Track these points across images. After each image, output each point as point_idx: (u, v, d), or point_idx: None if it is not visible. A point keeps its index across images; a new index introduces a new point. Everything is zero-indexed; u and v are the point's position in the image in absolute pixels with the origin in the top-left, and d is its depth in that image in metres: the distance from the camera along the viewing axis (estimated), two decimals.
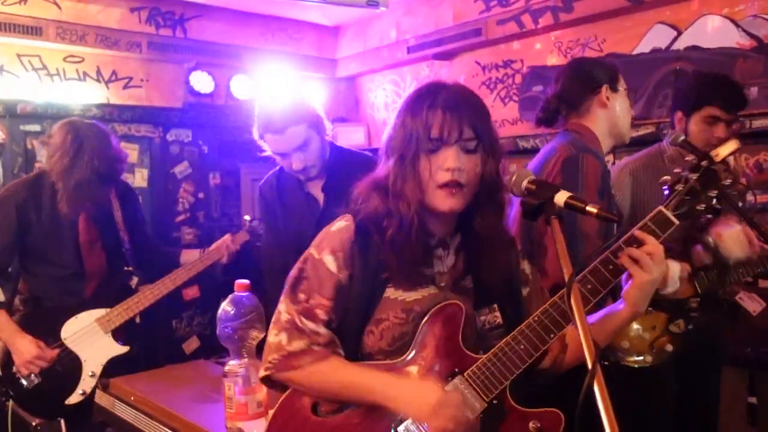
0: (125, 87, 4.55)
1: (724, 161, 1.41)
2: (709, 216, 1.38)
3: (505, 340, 1.34)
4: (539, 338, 1.33)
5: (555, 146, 2.14)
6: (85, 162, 2.58)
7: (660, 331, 2.02)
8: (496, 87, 4.47)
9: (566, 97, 2.21)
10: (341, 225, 1.42)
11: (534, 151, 4.02)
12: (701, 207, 1.35)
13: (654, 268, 1.29)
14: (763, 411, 3.01)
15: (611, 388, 0.91)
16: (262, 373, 1.41)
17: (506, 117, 4.39)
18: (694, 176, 1.35)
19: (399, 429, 1.33)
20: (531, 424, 1.35)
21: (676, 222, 1.33)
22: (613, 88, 2.17)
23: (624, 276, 1.35)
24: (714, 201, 1.36)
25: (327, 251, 1.39)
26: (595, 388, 0.91)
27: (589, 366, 0.94)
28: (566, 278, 1.11)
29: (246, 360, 1.71)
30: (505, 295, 1.46)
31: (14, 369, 2.59)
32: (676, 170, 1.37)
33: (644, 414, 2.20)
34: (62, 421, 2.64)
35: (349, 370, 1.36)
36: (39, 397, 2.62)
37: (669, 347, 2.02)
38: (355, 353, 1.40)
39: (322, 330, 1.38)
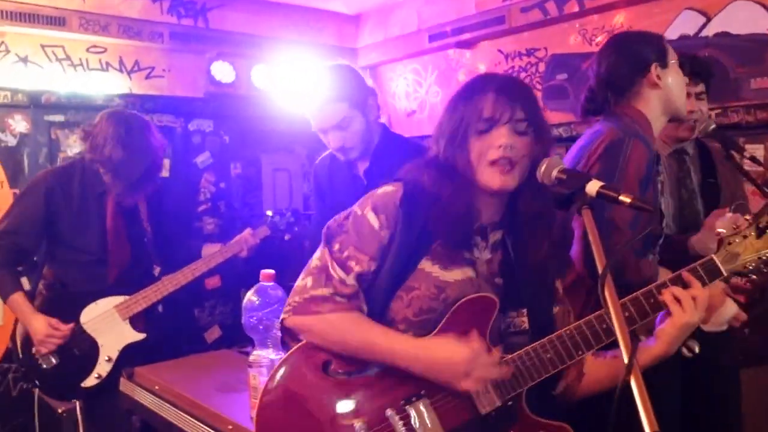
0: (147, 77, 4.57)
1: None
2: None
3: (533, 345, 1.33)
4: (567, 352, 1.32)
5: (601, 129, 1.98)
6: (140, 155, 2.66)
7: None
8: (519, 76, 4.41)
9: (613, 82, 2.02)
10: (388, 188, 1.42)
11: (558, 140, 3.98)
12: (750, 266, 1.35)
13: (695, 312, 1.30)
14: None
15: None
16: (282, 315, 1.41)
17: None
18: (753, 235, 1.35)
19: (409, 408, 1.31)
20: None
21: (725, 274, 1.34)
22: (663, 64, 1.99)
23: (660, 315, 1.35)
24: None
25: (370, 208, 1.40)
26: (633, 385, 0.88)
27: (625, 360, 0.92)
28: (600, 270, 1.08)
29: (271, 350, 1.70)
30: (536, 303, 1.43)
31: (33, 350, 2.64)
32: (738, 224, 1.37)
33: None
34: (77, 404, 2.68)
35: (372, 328, 1.35)
36: (56, 378, 2.67)
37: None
38: (379, 315, 1.38)
39: (350, 281, 1.37)
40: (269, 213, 3.04)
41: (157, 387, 2.09)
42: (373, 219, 1.38)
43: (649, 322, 1.35)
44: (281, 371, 1.38)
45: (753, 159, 2.42)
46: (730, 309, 1.88)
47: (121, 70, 4.46)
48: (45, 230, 2.70)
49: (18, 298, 2.64)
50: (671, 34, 3.59)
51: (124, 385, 2.27)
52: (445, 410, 1.32)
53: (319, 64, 5.09)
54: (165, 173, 4.64)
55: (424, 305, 1.35)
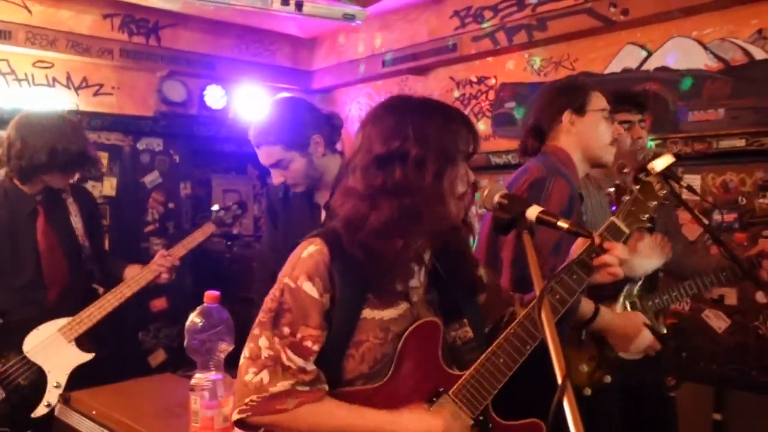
0: (95, 94, 4.49)
1: (663, 174, 1.56)
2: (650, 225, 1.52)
3: (484, 355, 1.34)
4: (516, 350, 1.33)
5: (528, 167, 2.14)
6: (37, 143, 2.54)
7: (597, 361, 2.05)
8: (470, 103, 4.50)
9: (537, 126, 2.23)
10: (312, 249, 1.32)
11: (506, 167, 4.08)
12: (645, 217, 1.47)
13: (620, 274, 1.39)
14: (728, 428, 3.05)
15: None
16: (235, 416, 1.29)
17: (479, 133, 4.41)
18: (636, 187, 1.47)
19: None
20: None
21: (627, 231, 1.44)
22: (579, 112, 2.15)
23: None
24: (653, 212, 1.49)
25: (303, 277, 1.30)
26: (565, 404, 0.90)
27: (559, 381, 0.94)
28: (537, 292, 1.11)
29: (213, 373, 1.67)
30: (471, 309, 1.46)
31: None
32: (617, 182, 1.47)
33: None
34: None
35: (344, 411, 1.28)
36: (5, 410, 2.53)
37: (607, 379, 2.05)
38: (335, 380, 1.32)
39: (310, 366, 1.29)
40: (215, 208, 2.96)
41: (94, 412, 2.02)
42: (310, 288, 1.29)
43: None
44: None
45: (689, 188, 2.51)
46: (646, 338, 1.98)
47: (68, 86, 4.38)
48: None
49: None
50: (615, 67, 3.73)
51: (60, 411, 2.19)
52: None
53: (272, 85, 5.13)
54: (111, 192, 4.55)
55: (377, 355, 1.32)
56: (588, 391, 2.06)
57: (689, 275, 2.49)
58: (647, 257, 2.24)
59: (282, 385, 1.26)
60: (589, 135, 2.15)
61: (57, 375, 2.60)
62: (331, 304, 1.30)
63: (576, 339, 2.04)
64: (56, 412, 2.19)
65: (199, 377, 1.66)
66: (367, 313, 1.32)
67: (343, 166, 2.28)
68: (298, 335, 1.29)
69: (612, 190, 1.52)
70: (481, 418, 1.34)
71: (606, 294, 2.22)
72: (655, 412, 2.48)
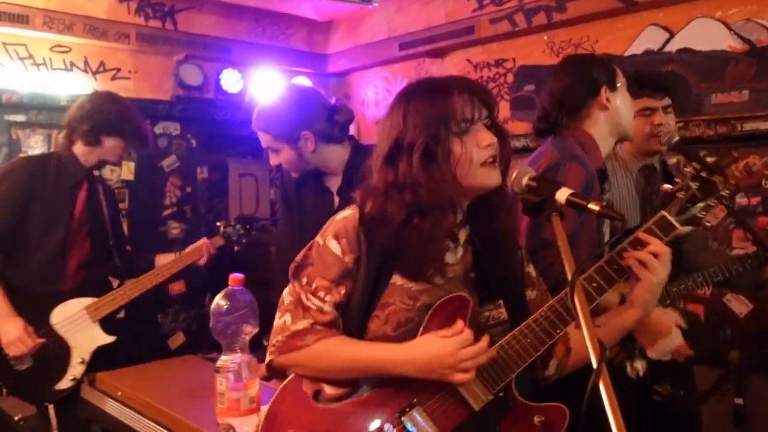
0: (113, 78, 4.49)
1: (722, 172, 1.43)
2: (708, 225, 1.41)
3: (512, 333, 1.35)
4: (545, 333, 1.33)
5: (543, 151, 2.09)
6: (111, 106, 2.78)
7: (617, 350, 2.02)
8: (488, 86, 4.46)
9: (566, 102, 2.09)
10: (346, 213, 1.42)
11: (525, 150, 4.03)
12: (702, 215, 1.38)
13: (661, 269, 1.32)
14: (748, 412, 3.03)
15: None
16: (268, 357, 1.41)
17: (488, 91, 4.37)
18: (695, 185, 1.38)
19: (404, 419, 1.31)
20: (536, 418, 1.35)
21: (678, 227, 1.36)
22: (612, 87, 2.07)
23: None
24: (711, 210, 1.39)
25: (331, 236, 1.40)
26: (601, 387, 0.89)
27: (594, 364, 0.93)
28: (569, 276, 1.10)
29: (239, 355, 1.68)
30: (510, 292, 1.45)
31: (4, 353, 2.56)
32: (677, 179, 1.41)
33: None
34: (51, 409, 2.62)
35: (356, 345, 1.36)
36: (30, 382, 2.60)
37: (629, 373, 2.01)
38: (359, 338, 1.38)
39: (328, 308, 1.37)
40: (220, 224, 3.08)
41: (119, 393, 2.05)
42: (335, 246, 1.38)
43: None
44: (276, 407, 1.40)
45: (724, 180, 2.48)
46: (675, 339, 1.91)
47: (85, 71, 4.38)
48: (15, 219, 2.62)
49: None
50: (636, 48, 3.68)
51: (85, 392, 2.22)
52: (440, 413, 1.33)
53: (288, 69, 5.11)
54: (129, 176, 4.57)
55: (401, 318, 1.35)
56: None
57: (704, 269, 2.43)
58: None
59: (302, 324, 1.37)
60: (622, 110, 2.09)
61: (82, 351, 2.66)
62: (355, 265, 1.37)
63: None
64: (82, 392, 2.23)
65: (224, 359, 1.68)
66: (397, 279, 1.37)
67: (355, 152, 2.30)
68: (314, 285, 1.38)
69: (668, 186, 1.44)
70: (501, 394, 1.35)
71: None
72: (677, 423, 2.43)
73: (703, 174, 1.40)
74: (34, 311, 2.61)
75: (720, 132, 3.29)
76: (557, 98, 2.11)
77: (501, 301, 1.42)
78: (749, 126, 3.21)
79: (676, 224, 1.35)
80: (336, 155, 2.29)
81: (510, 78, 4.34)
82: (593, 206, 1.23)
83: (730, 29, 3.32)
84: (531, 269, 1.55)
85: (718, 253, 2.92)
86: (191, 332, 4.78)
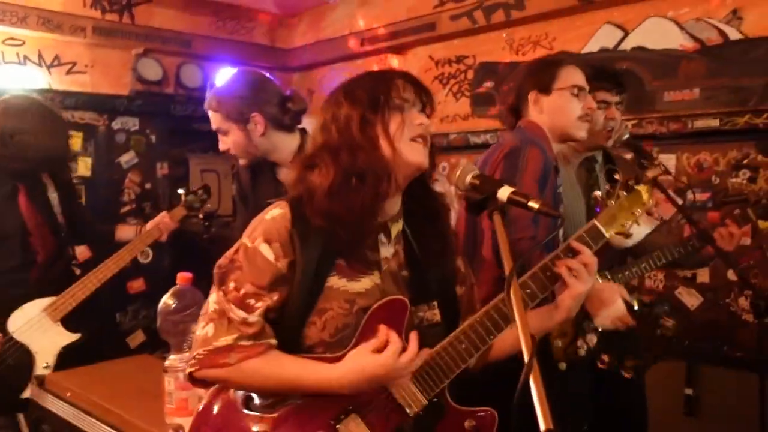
0: (68, 72, 4.40)
1: (651, 181, 1.57)
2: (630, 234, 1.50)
3: (448, 339, 1.35)
4: (480, 339, 1.35)
5: (504, 139, 2.23)
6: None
7: (571, 336, 2.07)
8: (449, 82, 4.49)
9: (512, 104, 2.33)
10: (276, 212, 1.35)
11: (485, 146, 4.07)
12: (627, 224, 1.47)
13: (588, 278, 1.37)
14: (699, 402, 3.12)
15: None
16: (188, 369, 1.34)
17: (458, 112, 4.41)
18: (624, 194, 1.46)
19: (339, 427, 1.30)
20: (467, 423, 1.37)
21: (607, 235, 1.44)
22: (545, 91, 2.21)
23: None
24: (637, 221, 1.48)
25: (261, 239, 1.33)
26: (531, 383, 0.91)
27: (526, 359, 0.95)
28: (506, 272, 1.12)
29: (188, 354, 1.67)
30: (443, 293, 1.46)
31: None
32: (607, 187, 1.48)
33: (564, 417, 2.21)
34: (21, 417, 2.56)
35: (288, 365, 1.30)
36: None
37: (581, 352, 2.07)
38: (296, 345, 1.33)
39: (253, 318, 1.30)
40: (181, 191, 2.99)
41: (69, 394, 2.01)
42: (266, 251, 1.31)
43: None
44: (203, 416, 1.36)
45: (665, 170, 2.55)
46: (619, 308, 1.96)
47: (39, 65, 4.28)
48: None
49: None
50: (593, 46, 3.74)
51: (34, 393, 2.18)
52: (375, 420, 1.32)
53: (249, 63, 5.06)
54: (86, 172, 4.49)
55: (339, 324, 1.33)
56: (563, 366, 2.08)
57: (651, 251, 2.51)
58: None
59: (225, 340, 1.29)
60: (555, 112, 2.22)
61: (45, 356, 2.59)
62: (289, 269, 1.32)
63: None
64: (30, 395, 2.19)
65: (173, 359, 1.67)
66: (334, 281, 1.33)
67: (305, 144, 2.31)
68: (242, 291, 1.31)
69: (599, 193, 1.53)
70: (435, 400, 1.36)
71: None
72: (624, 389, 2.51)
73: (631, 183, 1.49)
74: (4, 317, 2.55)
75: (672, 129, 3.37)
76: (508, 103, 2.37)
77: (435, 303, 1.41)
78: (700, 123, 3.29)
79: (605, 233, 1.43)
80: (285, 144, 2.28)
81: (470, 74, 4.37)
82: (533, 204, 1.25)
83: (681, 28, 3.40)
84: (460, 263, 1.56)
85: (667, 236, 3.01)
86: (152, 330, 4.72)
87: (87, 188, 4.47)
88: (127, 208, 4.68)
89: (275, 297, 1.32)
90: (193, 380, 1.35)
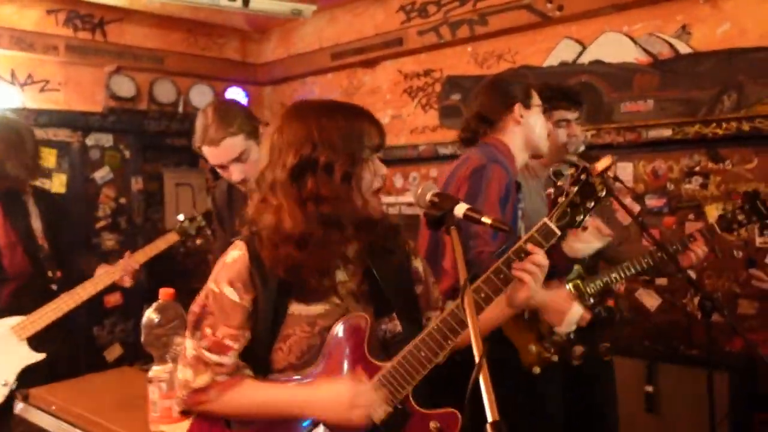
0: (41, 90, 4.45)
1: (601, 174, 1.55)
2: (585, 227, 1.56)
3: (407, 348, 1.43)
4: (438, 345, 1.42)
5: (468, 156, 2.30)
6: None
7: (543, 341, 2.18)
8: (417, 95, 4.63)
9: (483, 116, 2.34)
10: (235, 255, 1.44)
11: (453, 156, 4.21)
12: (580, 218, 1.50)
13: (541, 278, 1.46)
14: (659, 399, 3.27)
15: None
16: (176, 408, 1.46)
17: (427, 124, 4.55)
18: (574, 189, 1.50)
19: None
20: (432, 424, 1.44)
21: (558, 232, 1.48)
22: (527, 105, 2.30)
23: None
24: (590, 213, 1.52)
25: (225, 283, 1.42)
26: (481, 382, 1.03)
27: (477, 360, 1.07)
28: (461, 282, 1.24)
29: (170, 365, 1.76)
30: (402, 301, 1.53)
31: None
32: (560, 183, 1.52)
33: (536, 419, 2.32)
34: None
35: (260, 390, 1.40)
36: None
37: (555, 357, 2.18)
38: (265, 372, 1.43)
39: (226, 360, 1.40)
40: (180, 217, 2.97)
41: (54, 407, 2.08)
42: (231, 293, 1.41)
43: None
44: None
45: (616, 179, 2.71)
46: (576, 311, 2.02)
47: (12, 83, 4.33)
48: None
49: None
50: (552, 60, 3.91)
51: (19, 408, 2.24)
52: (343, 429, 1.40)
53: (221, 79, 5.15)
54: (61, 188, 4.53)
55: (303, 346, 1.41)
56: (537, 370, 2.19)
57: (624, 260, 2.65)
58: (587, 241, 2.37)
59: (202, 380, 1.40)
60: (533, 128, 2.32)
61: (5, 373, 2.61)
62: (253, 305, 1.42)
63: (520, 319, 2.14)
64: (16, 410, 2.24)
65: (156, 369, 1.76)
66: (294, 308, 1.42)
67: None
68: (218, 334, 1.40)
69: (551, 191, 1.55)
70: (399, 406, 1.43)
71: (558, 275, 2.34)
72: (595, 380, 2.64)
73: (582, 177, 1.51)
74: None
75: (628, 138, 3.55)
76: (477, 112, 2.36)
77: (394, 314, 1.49)
78: (654, 133, 3.47)
79: (556, 230, 1.47)
80: None
81: (438, 87, 4.51)
82: (486, 220, 1.37)
83: (635, 43, 3.58)
84: (418, 263, 1.64)
85: (636, 244, 3.15)
86: (129, 343, 4.77)
87: (61, 204, 4.49)
88: (102, 223, 4.73)
89: (246, 334, 1.42)
90: (187, 414, 1.47)
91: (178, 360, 1.46)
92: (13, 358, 2.64)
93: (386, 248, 1.54)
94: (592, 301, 2.58)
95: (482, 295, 1.44)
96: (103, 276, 2.83)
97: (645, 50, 3.55)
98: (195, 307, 1.45)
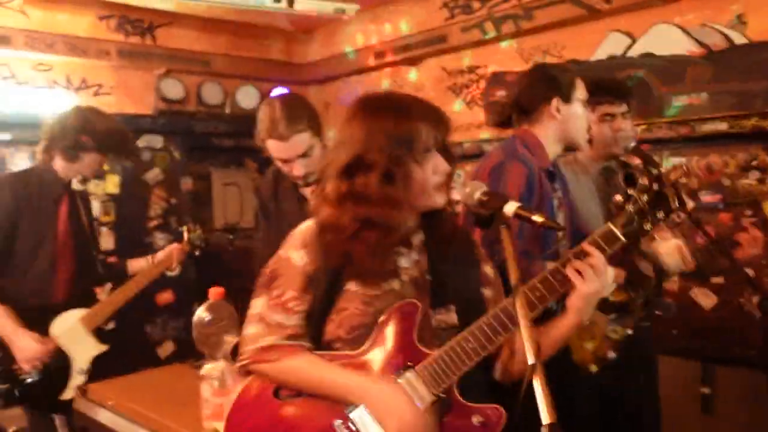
0: (95, 94, 4.59)
1: (673, 184, 1.48)
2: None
3: (455, 338, 1.43)
4: (487, 338, 1.41)
5: (490, 153, 2.30)
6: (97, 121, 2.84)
7: (600, 339, 2.13)
8: (462, 92, 4.60)
9: (519, 104, 2.32)
10: (304, 226, 1.55)
11: None
12: (648, 227, 1.45)
13: (595, 279, 1.40)
14: (715, 400, 3.18)
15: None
16: (237, 363, 1.52)
17: (471, 121, 4.52)
18: (644, 198, 1.44)
19: (352, 415, 1.41)
20: (474, 418, 1.43)
21: (623, 239, 1.43)
22: (566, 99, 2.25)
23: None
24: (660, 222, 1.46)
25: (292, 248, 1.52)
26: (536, 383, 1.02)
27: (530, 361, 1.05)
28: (512, 282, 1.22)
29: (222, 363, 1.79)
30: (462, 296, 1.53)
31: (15, 366, 2.63)
32: (630, 192, 1.46)
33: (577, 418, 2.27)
34: (57, 419, 2.72)
35: (322, 367, 1.44)
36: (38, 393, 2.67)
37: (611, 354, 2.13)
38: (316, 341, 1.49)
39: (293, 322, 1.47)
40: (183, 229, 3.20)
41: (110, 402, 2.14)
42: (297, 257, 1.50)
43: None
44: (238, 403, 1.50)
45: (675, 192, 2.62)
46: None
47: (68, 88, 4.47)
48: (7, 232, 2.67)
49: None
50: (600, 54, 3.82)
51: (78, 403, 2.32)
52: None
53: (266, 80, 5.22)
54: (115, 189, 4.66)
55: (354, 322, 1.46)
56: (594, 368, 2.15)
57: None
58: (665, 264, 2.30)
59: (268, 340, 1.47)
60: (572, 122, 2.27)
61: (81, 362, 2.75)
62: (316, 273, 1.48)
63: None
64: (74, 403, 2.32)
65: (208, 368, 1.79)
66: (351, 285, 1.48)
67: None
68: (284, 296, 1.48)
69: (619, 198, 1.48)
70: (443, 395, 1.42)
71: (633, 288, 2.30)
72: (633, 379, 2.57)
73: (655, 187, 1.45)
74: (27, 323, 2.67)
75: (681, 133, 3.44)
76: (514, 97, 2.35)
77: (452, 306, 1.51)
78: (707, 127, 3.36)
79: (621, 236, 1.42)
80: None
81: (483, 84, 4.47)
82: (537, 218, 1.35)
83: (688, 34, 3.47)
84: (488, 269, 1.64)
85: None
86: (181, 340, 4.87)
87: (116, 204, 4.65)
88: (154, 223, 4.85)
89: (309, 299, 1.48)
90: (245, 373, 1.52)
91: (246, 318, 1.52)
92: (86, 347, 2.78)
93: (450, 241, 1.56)
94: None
95: (537, 294, 1.42)
96: (153, 267, 3.01)
97: (698, 41, 3.44)
98: (266, 269, 1.54)
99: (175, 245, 3.10)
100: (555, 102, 2.24)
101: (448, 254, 1.55)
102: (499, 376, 1.59)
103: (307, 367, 1.45)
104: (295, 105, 2.29)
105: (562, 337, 1.49)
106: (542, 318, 1.45)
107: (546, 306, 1.43)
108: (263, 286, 1.53)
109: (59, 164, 2.83)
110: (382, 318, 1.45)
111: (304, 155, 2.25)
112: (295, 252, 1.51)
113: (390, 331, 1.44)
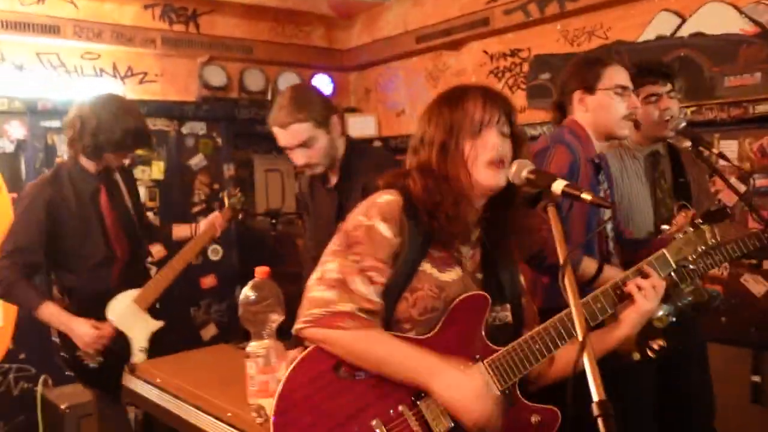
0: (141, 82, 4.67)
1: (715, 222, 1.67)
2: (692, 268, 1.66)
3: (523, 337, 1.46)
4: (552, 341, 1.45)
5: (540, 138, 2.36)
6: (113, 121, 2.77)
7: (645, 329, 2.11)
8: (504, 76, 4.54)
9: (556, 102, 2.44)
10: (389, 197, 1.50)
11: None
12: (692, 257, 1.62)
13: (655, 299, 1.50)
14: (766, 389, 3.09)
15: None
16: (298, 325, 1.42)
17: (514, 105, 4.44)
18: (691, 230, 1.62)
19: (420, 404, 1.40)
20: (532, 417, 1.47)
21: (674, 265, 1.57)
22: (589, 90, 2.26)
23: None
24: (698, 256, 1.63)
25: (379, 219, 1.46)
26: (585, 360, 1.00)
27: (580, 338, 1.04)
28: (561, 262, 1.20)
29: (266, 341, 1.81)
30: (514, 297, 1.58)
31: (79, 353, 2.71)
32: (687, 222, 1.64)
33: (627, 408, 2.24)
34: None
35: (393, 344, 1.40)
36: (101, 375, 2.75)
37: (660, 342, 2.08)
38: (387, 317, 1.46)
39: (374, 297, 1.42)
40: (223, 194, 3.27)
41: (158, 380, 2.20)
42: (384, 229, 1.45)
43: None
44: (295, 377, 1.41)
45: (721, 155, 2.55)
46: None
47: (114, 76, 4.56)
48: (46, 240, 2.73)
49: (50, 307, 2.68)
50: (649, 34, 3.72)
51: (127, 380, 2.38)
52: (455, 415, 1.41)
53: (307, 66, 5.24)
54: (159, 175, 4.75)
55: (428, 305, 1.46)
56: (637, 356, 2.11)
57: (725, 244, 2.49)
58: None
59: (346, 306, 1.39)
60: (599, 112, 2.27)
61: (139, 341, 2.82)
62: (400, 247, 1.46)
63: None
64: (123, 380, 2.38)
65: (253, 345, 1.81)
66: (426, 267, 1.48)
67: (350, 148, 2.42)
68: (365, 264, 1.43)
69: (667, 228, 1.75)
70: (507, 391, 1.45)
71: None
72: (683, 369, 2.53)
73: (698, 221, 1.62)
74: (89, 310, 2.75)
75: (733, 115, 3.33)
76: (554, 99, 2.46)
77: (508, 305, 1.55)
78: (762, 108, 3.24)
79: (672, 263, 1.56)
80: (342, 147, 2.41)
81: (525, 67, 4.40)
82: (586, 196, 1.32)
83: (741, 12, 3.35)
84: (523, 279, 1.69)
85: (741, 228, 2.99)
86: (223, 323, 4.96)
87: (160, 190, 4.74)
88: (198, 208, 4.93)
89: (389, 272, 1.45)
90: (298, 338, 1.46)
91: (314, 282, 1.45)
92: (142, 326, 2.85)
93: (508, 241, 1.57)
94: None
95: (598, 305, 1.49)
96: (199, 237, 3.08)
97: (751, 19, 3.32)
98: (344, 236, 1.48)
99: (216, 213, 3.16)
100: (578, 94, 2.29)
101: (503, 256, 1.59)
102: (534, 378, 1.59)
103: (380, 338, 1.40)
104: (301, 95, 2.32)
105: (610, 348, 1.54)
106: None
107: (603, 319, 1.50)
108: (341, 251, 1.46)
109: (84, 161, 2.85)
110: (453, 305, 1.46)
111: (304, 145, 2.28)
112: (383, 224, 1.45)
113: (460, 321, 1.45)
